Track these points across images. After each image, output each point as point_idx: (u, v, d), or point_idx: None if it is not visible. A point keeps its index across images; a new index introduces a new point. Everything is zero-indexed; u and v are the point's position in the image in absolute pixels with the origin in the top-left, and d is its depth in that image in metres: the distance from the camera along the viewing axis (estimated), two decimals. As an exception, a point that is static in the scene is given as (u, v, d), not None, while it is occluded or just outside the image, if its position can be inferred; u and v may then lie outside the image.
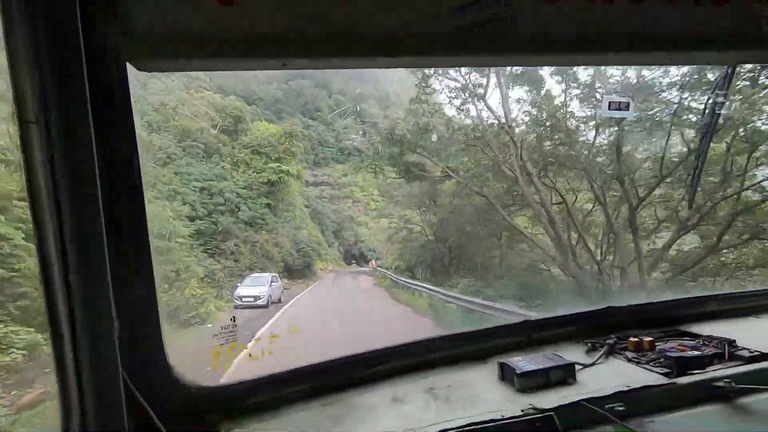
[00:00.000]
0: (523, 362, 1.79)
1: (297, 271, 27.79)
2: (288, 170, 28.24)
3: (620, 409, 1.52)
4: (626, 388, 1.60)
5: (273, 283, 18.84)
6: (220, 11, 1.30)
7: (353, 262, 42.93)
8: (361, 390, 1.84)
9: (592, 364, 1.88)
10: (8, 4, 1.07)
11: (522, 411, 1.54)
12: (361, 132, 39.34)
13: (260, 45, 1.34)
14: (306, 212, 37.17)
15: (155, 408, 1.45)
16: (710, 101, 3.16)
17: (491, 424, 1.50)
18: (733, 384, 1.58)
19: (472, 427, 1.48)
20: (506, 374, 1.80)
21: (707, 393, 1.59)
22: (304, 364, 1.85)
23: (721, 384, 1.58)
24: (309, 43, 1.37)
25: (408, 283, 21.45)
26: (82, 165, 1.22)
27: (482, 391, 1.77)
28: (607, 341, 2.02)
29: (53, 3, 1.14)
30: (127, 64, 1.32)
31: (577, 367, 1.80)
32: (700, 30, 1.53)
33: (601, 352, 1.96)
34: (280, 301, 18.66)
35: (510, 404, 1.62)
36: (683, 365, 1.69)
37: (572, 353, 1.93)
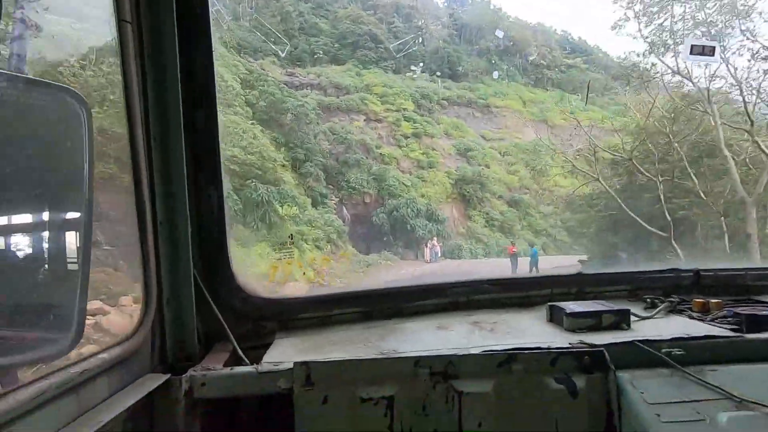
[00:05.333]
0: (573, 306, 1.77)
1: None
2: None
3: (679, 353, 1.47)
4: (686, 335, 1.55)
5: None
6: None
7: (380, 245, 26.89)
8: (407, 319, 1.89)
9: (650, 317, 1.82)
10: None
11: (570, 344, 1.53)
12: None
13: None
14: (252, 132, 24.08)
15: (218, 307, 1.60)
16: None
17: (537, 351, 1.49)
18: None
19: (517, 351, 1.48)
20: (555, 315, 1.79)
21: None
22: (354, 289, 1.91)
23: None
24: None
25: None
26: (166, 66, 1.36)
27: (528, 327, 1.77)
28: (669, 300, 1.95)
29: None
30: None
31: (633, 318, 1.75)
32: None
33: (660, 307, 1.89)
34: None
35: (557, 338, 1.61)
36: (755, 322, 1.61)
37: (628, 307, 1.85)
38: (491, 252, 29.35)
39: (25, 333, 1.08)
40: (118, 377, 1.30)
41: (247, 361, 1.57)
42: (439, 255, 26.41)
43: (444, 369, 1.45)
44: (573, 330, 1.68)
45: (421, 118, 37.47)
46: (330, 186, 28.52)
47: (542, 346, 1.51)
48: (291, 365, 1.45)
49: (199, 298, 1.58)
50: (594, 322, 1.69)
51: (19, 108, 1.03)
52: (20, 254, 1.12)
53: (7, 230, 1.09)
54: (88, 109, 1.14)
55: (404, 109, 36.90)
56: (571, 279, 2.09)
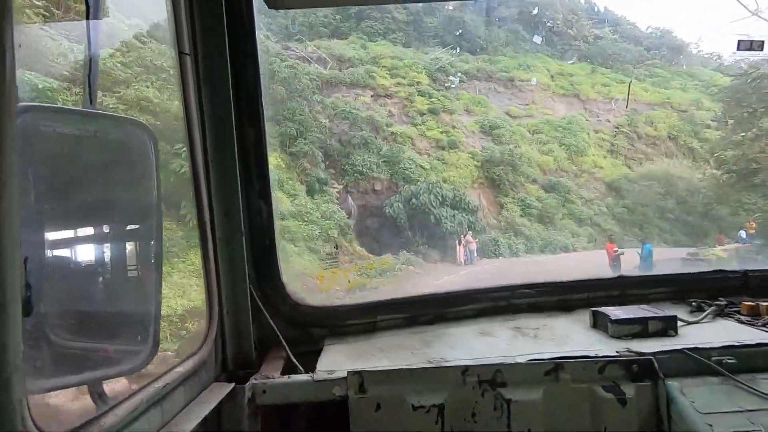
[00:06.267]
0: (618, 311, 1.79)
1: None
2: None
3: (730, 362, 1.50)
4: (737, 343, 1.58)
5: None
6: None
7: (397, 243, 20.47)
8: (449, 324, 1.98)
9: (697, 322, 1.84)
10: None
11: (617, 352, 1.57)
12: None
13: None
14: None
15: (270, 316, 1.79)
16: None
17: (584, 359, 1.54)
18: None
19: (564, 360, 1.53)
20: (599, 321, 1.82)
21: None
22: (397, 296, 2.02)
23: None
24: None
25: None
26: (220, 91, 1.59)
27: (571, 333, 1.81)
28: (716, 303, 1.95)
29: None
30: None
31: (680, 323, 1.77)
32: None
33: (708, 311, 1.89)
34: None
35: (603, 346, 1.65)
36: (814, 330, 1.59)
37: (673, 312, 1.86)
38: (534, 247, 23.76)
39: (109, 346, 1.16)
40: (191, 388, 1.42)
41: (301, 369, 1.68)
42: (476, 255, 20.61)
43: (492, 377, 1.51)
44: (618, 337, 1.70)
45: (438, 92, 32.42)
46: (331, 170, 22.91)
47: (589, 354, 1.57)
48: (345, 374, 1.55)
49: (253, 307, 1.73)
50: (640, 328, 1.70)
51: (97, 141, 1.15)
52: (102, 271, 1.21)
53: (90, 250, 1.18)
54: (155, 139, 1.25)
55: (418, 83, 32.27)
56: (611, 282, 2.12)
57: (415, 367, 1.57)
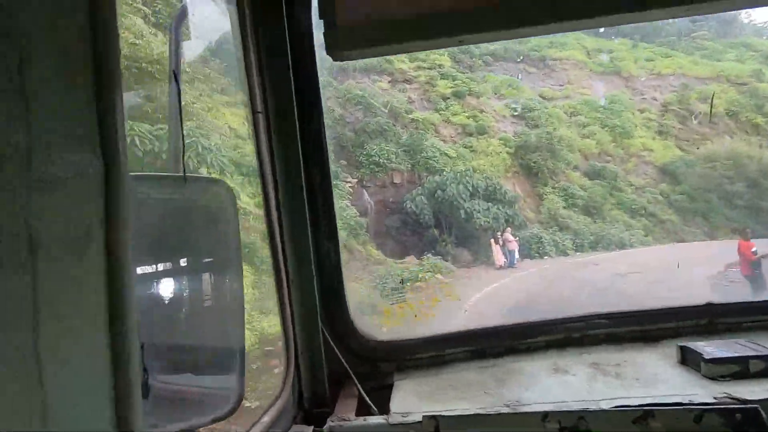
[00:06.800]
0: (711, 348, 1.64)
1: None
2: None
3: None
4: None
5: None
6: None
7: (421, 245, 17.50)
8: (519, 358, 1.91)
9: None
10: (243, 24, 1.53)
11: (715, 398, 1.44)
12: None
13: (437, 23, 1.48)
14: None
15: (341, 353, 1.82)
16: None
17: (677, 407, 1.41)
18: None
19: (654, 408, 1.40)
20: (689, 358, 1.66)
21: None
22: (464, 328, 2.01)
23: None
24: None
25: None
26: (290, 145, 1.68)
27: (657, 372, 1.67)
28: None
29: (266, 16, 1.59)
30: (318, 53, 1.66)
31: None
32: None
33: None
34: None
35: (697, 390, 1.51)
36: None
37: None
38: (583, 243, 20.25)
39: (201, 390, 1.23)
40: None
41: (375, 409, 1.72)
42: (517, 256, 17.06)
43: (575, 424, 1.44)
44: (713, 377, 1.56)
45: (463, 75, 29.49)
46: (342, 162, 20.08)
47: (683, 400, 1.44)
48: (419, 417, 1.53)
49: (324, 346, 1.78)
50: (739, 368, 1.55)
51: (184, 202, 1.28)
52: (194, 322, 1.30)
53: (182, 296, 1.27)
54: (233, 195, 1.40)
55: (439, 66, 29.45)
56: (699, 310, 1.95)
57: (492, 412, 1.52)
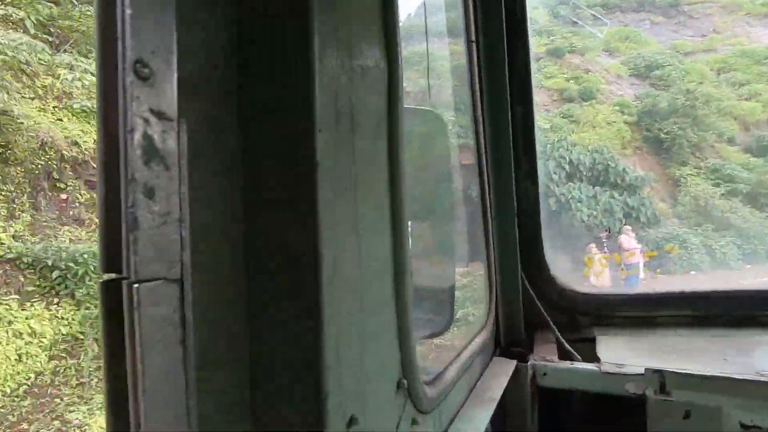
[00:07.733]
0: None
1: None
2: None
3: None
4: None
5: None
6: None
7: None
8: (763, 330, 1.65)
9: None
10: None
11: None
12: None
13: None
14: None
15: (537, 298, 1.74)
16: None
17: None
18: None
19: None
20: None
21: None
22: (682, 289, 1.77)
23: None
24: None
25: None
26: (498, 74, 1.63)
27: None
28: None
29: None
30: None
31: None
32: None
33: None
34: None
35: None
36: None
37: None
38: (757, 249, 13.09)
39: (423, 315, 1.35)
40: (481, 361, 1.47)
41: (578, 357, 1.60)
42: (642, 272, 10.33)
43: None
44: None
45: (561, 29, 23.29)
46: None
47: None
48: (639, 369, 1.41)
49: (521, 289, 1.72)
50: None
51: (414, 133, 1.26)
52: (422, 253, 1.53)
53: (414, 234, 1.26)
54: (444, 123, 1.47)
55: (532, 21, 23.07)
56: None
57: (738, 377, 1.29)
